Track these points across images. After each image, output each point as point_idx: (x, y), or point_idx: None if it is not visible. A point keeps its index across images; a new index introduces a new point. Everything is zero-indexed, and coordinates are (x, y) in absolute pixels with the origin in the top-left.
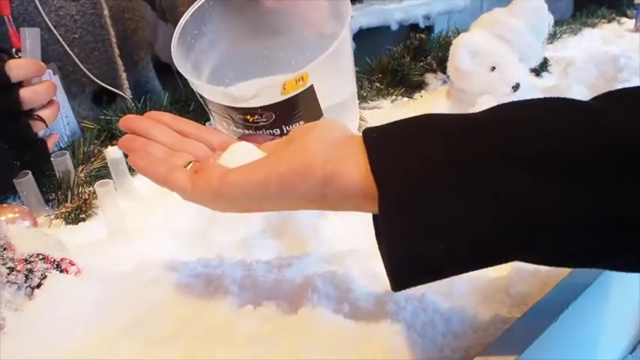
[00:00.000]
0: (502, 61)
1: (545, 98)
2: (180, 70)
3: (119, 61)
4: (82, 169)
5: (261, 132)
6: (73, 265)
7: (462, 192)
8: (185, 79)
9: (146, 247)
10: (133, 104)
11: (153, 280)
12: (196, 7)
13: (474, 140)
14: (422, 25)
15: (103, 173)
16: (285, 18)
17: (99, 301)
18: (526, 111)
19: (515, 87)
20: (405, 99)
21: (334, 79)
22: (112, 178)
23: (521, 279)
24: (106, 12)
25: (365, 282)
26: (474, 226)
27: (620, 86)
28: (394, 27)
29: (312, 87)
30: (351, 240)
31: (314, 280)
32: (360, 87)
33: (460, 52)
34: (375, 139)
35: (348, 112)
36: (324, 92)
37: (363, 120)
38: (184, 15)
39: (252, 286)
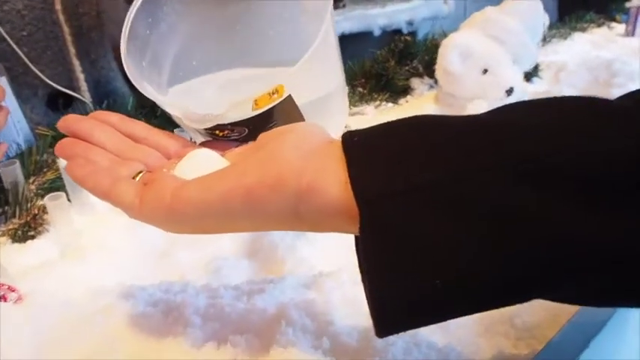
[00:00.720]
0: (495, 64)
1: (562, 97)
2: (133, 81)
3: (75, 61)
4: (34, 181)
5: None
6: (13, 291)
7: (463, 215)
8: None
9: (102, 268)
10: (93, 108)
11: (105, 308)
12: None
13: (478, 149)
14: (405, 31)
15: (57, 185)
16: None
17: (41, 333)
18: (542, 112)
19: (509, 91)
20: (390, 104)
21: (316, 71)
22: (66, 191)
23: (527, 307)
24: (58, 6)
25: (347, 311)
26: (478, 258)
27: (616, 91)
28: (377, 33)
29: (289, 97)
30: (332, 259)
31: (288, 310)
32: None
33: (450, 53)
34: (357, 145)
35: (335, 107)
36: (305, 87)
37: (347, 128)
38: (132, 5)
39: (218, 317)
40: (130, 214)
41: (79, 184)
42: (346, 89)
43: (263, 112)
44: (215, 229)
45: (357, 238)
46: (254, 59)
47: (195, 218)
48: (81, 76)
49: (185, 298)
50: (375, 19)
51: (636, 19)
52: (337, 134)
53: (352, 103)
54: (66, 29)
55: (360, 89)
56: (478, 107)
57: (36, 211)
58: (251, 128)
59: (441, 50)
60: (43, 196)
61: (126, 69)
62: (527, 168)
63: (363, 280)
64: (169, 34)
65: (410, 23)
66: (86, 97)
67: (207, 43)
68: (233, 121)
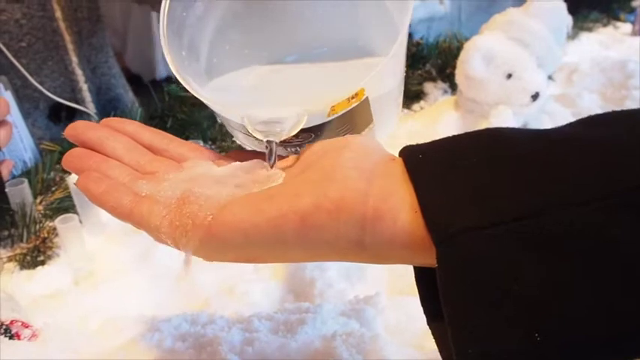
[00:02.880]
0: (520, 68)
1: None
2: (179, 77)
3: (78, 71)
4: (41, 201)
5: (292, 150)
6: (27, 327)
7: (576, 255)
8: (161, 90)
9: (119, 295)
10: (97, 120)
11: (128, 343)
12: None
13: (581, 173)
14: None
15: (66, 205)
16: None
17: None
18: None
19: (535, 96)
20: (405, 110)
21: (387, 67)
22: (76, 211)
23: None
24: (58, 14)
25: (397, 343)
26: (589, 308)
27: (635, 93)
28: None
29: (366, 99)
30: (362, 279)
31: (337, 347)
32: None
33: (473, 57)
34: (423, 165)
35: (391, 105)
36: (375, 84)
37: None
38: None
39: (258, 355)
40: (157, 237)
41: (96, 203)
42: (402, 86)
43: (336, 118)
44: (262, 259)
45: (417, 270)
46: (300, 43)
47: (239, 246)
48: (84, 86)
49: (216, 331)
50: None
51: None
52: (389, 133)
53: None
54: (67, 37)
55: None
56: (502, 113)
57: (45, 234)
58: (318, 133)
59: (462, 54)
60: (51, 217)
61: (169, 63)
62: None
63: (431, 327)
64: (208, 7)
65: None
66: (90, 108)
67: (246, 22)
68: (304, 126)
